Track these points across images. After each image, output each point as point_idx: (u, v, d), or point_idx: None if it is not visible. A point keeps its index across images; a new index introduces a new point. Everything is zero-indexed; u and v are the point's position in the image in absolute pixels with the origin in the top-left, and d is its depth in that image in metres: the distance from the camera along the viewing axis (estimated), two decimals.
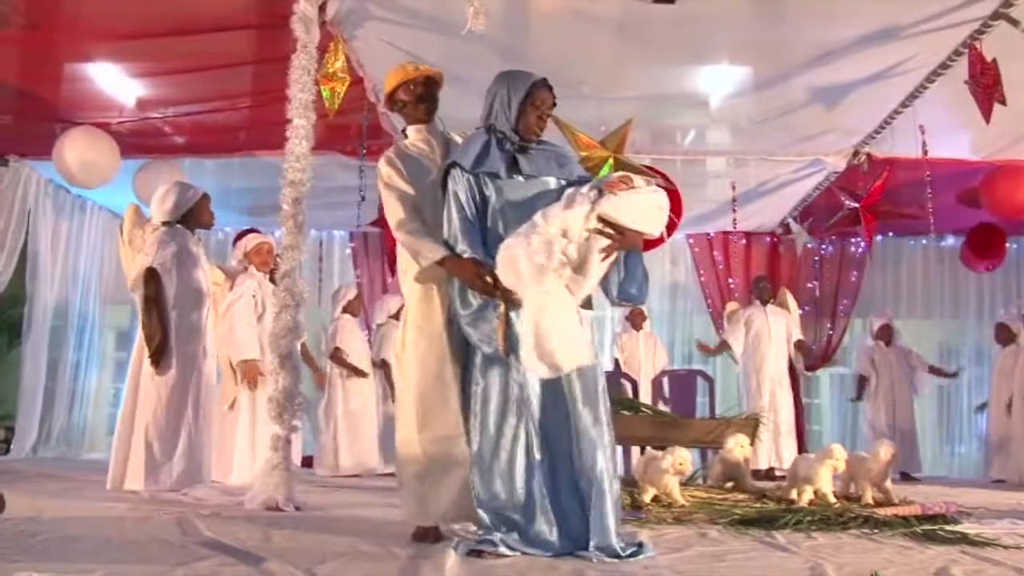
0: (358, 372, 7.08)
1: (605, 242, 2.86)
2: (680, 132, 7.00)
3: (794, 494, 4.55)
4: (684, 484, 4.64)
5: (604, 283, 3.02)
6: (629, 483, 4.76)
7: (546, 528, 2.87)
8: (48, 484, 5.16)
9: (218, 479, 5.40)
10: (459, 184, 3.04)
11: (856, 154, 7.01)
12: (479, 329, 2.95)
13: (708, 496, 4.61)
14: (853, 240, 9.19)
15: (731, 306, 8.39)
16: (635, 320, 8.45)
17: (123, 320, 9.14)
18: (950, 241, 9.45)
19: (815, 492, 4.47)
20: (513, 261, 2.81)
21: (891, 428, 7.92)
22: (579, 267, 2.87)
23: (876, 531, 3.66)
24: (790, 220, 8.90)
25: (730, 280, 9.45)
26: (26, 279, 7.68)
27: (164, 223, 5.03)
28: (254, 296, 5.87)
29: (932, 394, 9.20)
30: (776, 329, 7.91)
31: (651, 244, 4.22)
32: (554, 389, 2.91)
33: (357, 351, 7.15)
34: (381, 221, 3.62)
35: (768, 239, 9.51)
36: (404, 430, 3.22)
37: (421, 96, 3.37)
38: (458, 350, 3.14)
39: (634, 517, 3.97)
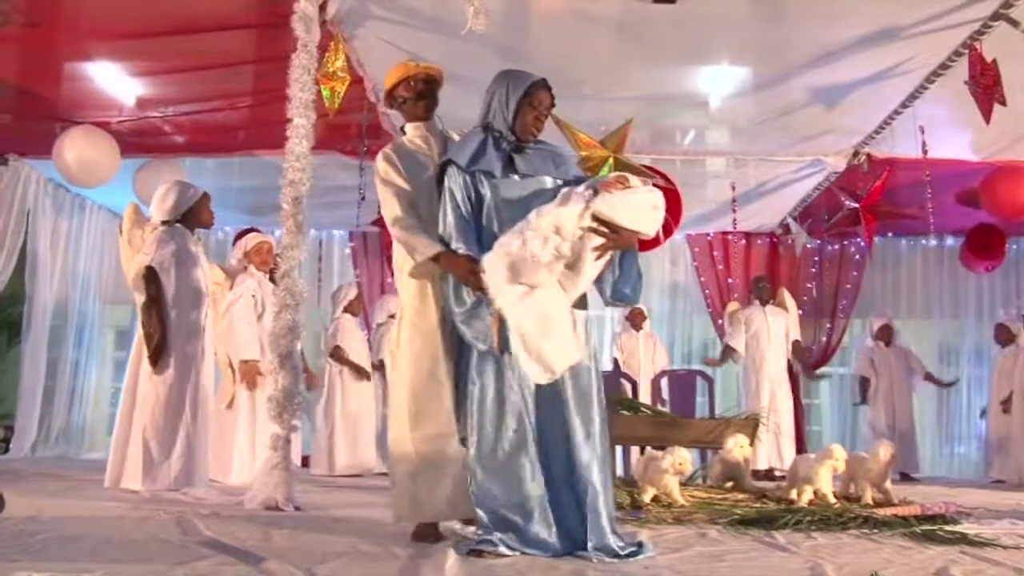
0: (359, 369, 7.07)
1: (599, 241, 2.86)
2: (680, 132, 6.99)
3: (794, 494, 4.55)
4: (684, 484, 4.63)
5: (598, 282, 3.02)
6: (629, 483, 4.77)
7: (544, 529, 2.86)
8: (47, 483, 5.16)
9: (217, 479, 5.41)
10: (455, 182, 3.03)
11: (856, 154, 7.00)
12: (473, 327, 2.94)
13: (708, 496, 4.60)
14: (853, 240, 9.20)
15: (732, 306, 8.35)
16: (635, 320, 8.44)
17: (123, 319, 9.14)
18: (950, 241, 9.46)
19: (815, 492, 4.47)
20: (506, 254, 2.80)
21: (891, 428, 7.92)
22: (572, 264, 2.87)
23: (876, 531, 3.66)
24: (790, 220, 8.89)
25: (730, 280, 9.44)
26: (25, 278, 7.67)
27: (164, 222, 5.03)
28: (254, 296, 5.88)
29: (932, 395, 9.20)
30: (775, 329, 7.90)
31: (647, 245, 4.21)
32: (549, 389, 2.90)
33: (357, 351, 7.15)
34: (381, 221, 3.62)
35: (768, 239, 9.50)
36: (397, 428, 3.22)
37: (421, 93, 3.39)
38: (452, 348, 3.14)
39: (634, 517, 3.97)
